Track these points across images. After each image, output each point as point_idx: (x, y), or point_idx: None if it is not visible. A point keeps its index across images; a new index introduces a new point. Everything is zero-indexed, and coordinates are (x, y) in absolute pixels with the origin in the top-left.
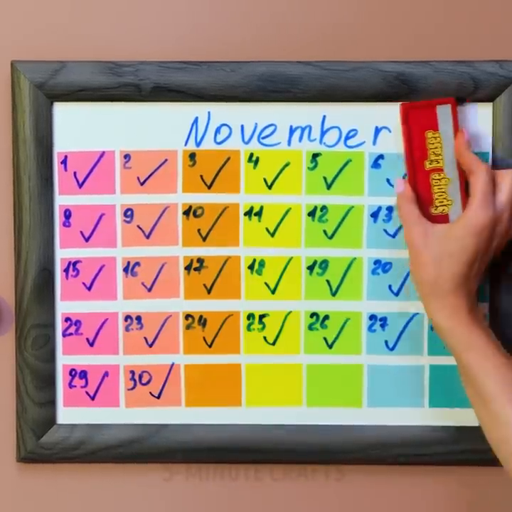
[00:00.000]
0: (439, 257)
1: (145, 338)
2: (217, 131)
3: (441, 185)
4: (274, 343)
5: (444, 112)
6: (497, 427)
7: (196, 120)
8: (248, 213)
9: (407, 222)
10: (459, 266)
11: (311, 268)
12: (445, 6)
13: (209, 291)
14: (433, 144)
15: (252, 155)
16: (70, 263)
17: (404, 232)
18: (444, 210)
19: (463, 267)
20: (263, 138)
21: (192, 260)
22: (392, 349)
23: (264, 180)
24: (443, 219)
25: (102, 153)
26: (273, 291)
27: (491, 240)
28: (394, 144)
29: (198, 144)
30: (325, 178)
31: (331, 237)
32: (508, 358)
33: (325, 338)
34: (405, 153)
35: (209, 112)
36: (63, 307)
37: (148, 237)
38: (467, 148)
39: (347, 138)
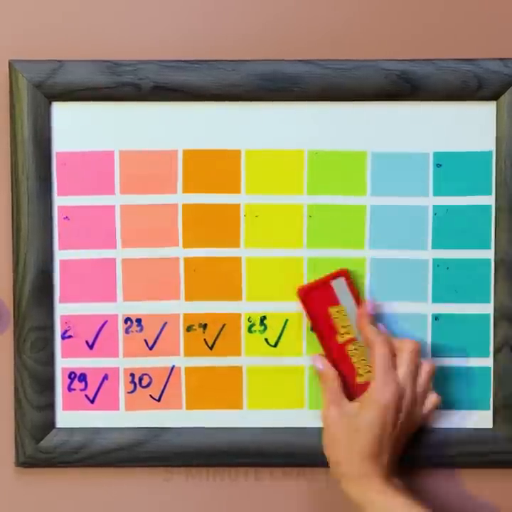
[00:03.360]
0: (349, 435)
1: (145, 341)
2: (218, 130)
3: (359, 354)
4: (275, 345)
5: (339, 285)
6: None
7: (196, 119)
8: (249, 215)
9: (326, 401)
10: (367, 441)
11: (312, 269)
12: (448, 4)
13: (210, 293)
14: (338, 317)
15: (252, 155)
16: (69, 265)
17: (322, 408)
18: (368, 377)
19: (371, 443)
20: (264, 137)
21: (193, 261)
22: None
23: (265, 180)
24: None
25: (101, 153)
26: (274, 293)
27: (397, 414)
28: (397, 142)
29: (198, 144)
30: (326, 178)
31: (332, 238)
32: None
33: None
34: (315, 332)
35: (209, 112)
36: (62, 309)
37: (148, 238)
38: (366, 320)
39: (349, 137)
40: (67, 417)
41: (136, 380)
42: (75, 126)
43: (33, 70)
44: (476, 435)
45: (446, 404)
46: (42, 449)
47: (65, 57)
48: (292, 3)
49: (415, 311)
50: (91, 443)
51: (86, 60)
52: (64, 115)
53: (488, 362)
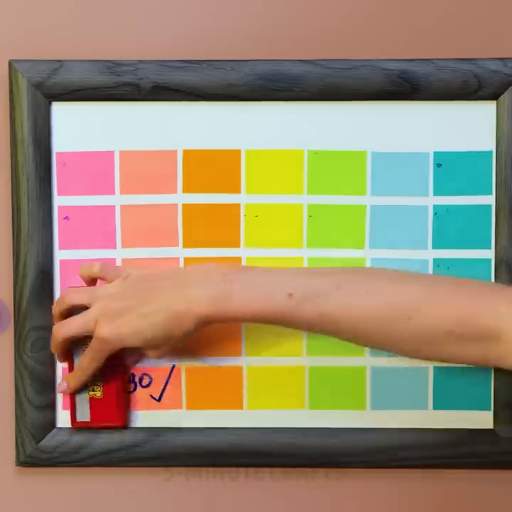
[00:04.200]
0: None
1: None
2: (218, 130)
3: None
4: (275, 346)
5: None
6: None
7: (196, 119)
8: (249, 214)
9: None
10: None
11: None
12: (448, 3)
13: None
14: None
15: (252, 155)
16: (69, 265)
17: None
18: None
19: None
20: (264, 137)
21: (192, 261)
22: None
23: (265, 180)
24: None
25: (101, 153)
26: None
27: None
28: (397, 142)
29: (198, 144)
30: (327, 178)
31: (332, 238)
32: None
33: (327, 340)
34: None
35: (209, 112)
36: None
37: (148, 238)
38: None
39: (349, 137)
40: (67, 417)
41: (137, 380)
42: (75, 126)
43: (33, 70)
44: (476, 435)
45: (447, 404)
46: (42, 449)
47: (65, 57)
48: (292, 3)
49: None
50: (91, 443)
51: (86, 60)
52: (64, 115)
53: None
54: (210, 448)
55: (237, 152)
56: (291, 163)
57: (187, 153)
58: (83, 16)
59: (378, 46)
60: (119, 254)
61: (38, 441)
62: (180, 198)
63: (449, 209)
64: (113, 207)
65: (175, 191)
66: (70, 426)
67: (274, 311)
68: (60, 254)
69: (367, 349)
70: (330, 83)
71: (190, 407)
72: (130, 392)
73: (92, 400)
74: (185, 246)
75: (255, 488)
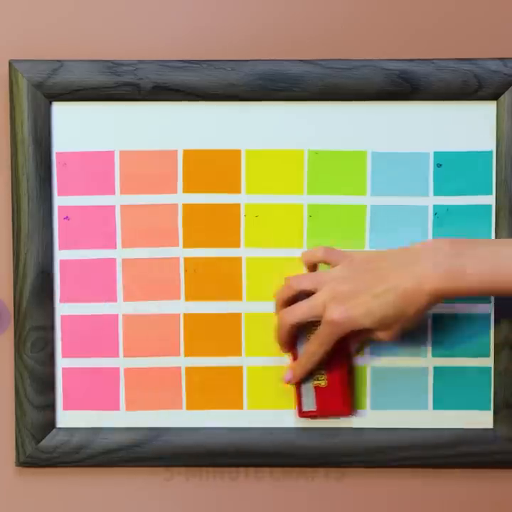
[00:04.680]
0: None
1: (145, 341)
2: (218, 130)
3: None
4: (276, 345)
5: None
6: None
7: (196, 119)
8: (249, 215)
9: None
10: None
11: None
12: (448, 3)
13: (210, 293)
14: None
15: (252, 155)
16: (69, 265)
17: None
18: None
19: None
20: (264, 137)
21: (192, 260)
22: (396, 351)
23: (266, 180)
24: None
25: (101, 153)
26: (275, 292)
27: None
28: (397, 142)
29: (198, 144)
30: (327, 178)
31: (332, 238)
32: None
33: None
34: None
35: (209, 112)
36: (62, 309)
37: (148, 238)
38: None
39: (349, 137)
40: (67, 417)
41: (136, 380)
42: (75, 126)
43: (33, 70)
44: (476, 435)
45: (446, 404)
46: (42, 449)
47: (65, 57)
48: (292, 3)
49: None
50: (91, 443)
51: (86, 60)
52: (64, 115)
53: (488, 362)
54: (210, 448)
55: (237, 152)
56: (291, 163)
57: (187, 153)
58: (83, 16)
59: (378, 46)
60: (119, 254)
61: (38, 442)
62: (180, 198)
63: (449, 209)
64: (113, 207)
65: (175, 191)
66: (70, 426)
67: (510, 282)
68: (60, 254)
69: (367, 349)
70: (330, 83)
71: (190, 407)
72: (130, 393)
73: (317, 389)
74: (185, 246)
75: (255, 488)
